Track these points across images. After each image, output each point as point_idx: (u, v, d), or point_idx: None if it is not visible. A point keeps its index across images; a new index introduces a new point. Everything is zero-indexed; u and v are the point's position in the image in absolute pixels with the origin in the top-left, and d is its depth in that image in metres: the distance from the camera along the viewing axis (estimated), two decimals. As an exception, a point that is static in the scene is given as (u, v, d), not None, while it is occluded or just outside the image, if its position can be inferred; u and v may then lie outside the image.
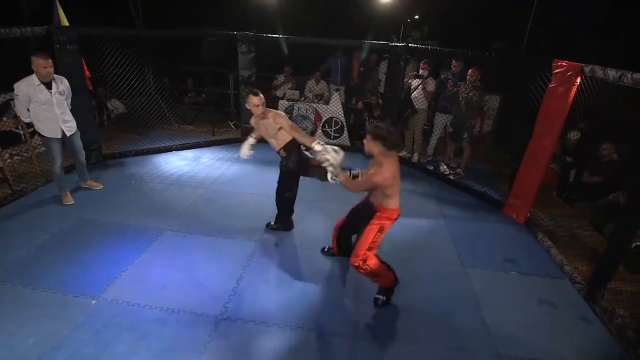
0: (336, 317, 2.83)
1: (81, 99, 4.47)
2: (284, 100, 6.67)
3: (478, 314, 2.95)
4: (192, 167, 5.34)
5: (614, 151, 4.53)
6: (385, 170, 2.52)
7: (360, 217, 2.90)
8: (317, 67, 7.27)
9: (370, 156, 2.65)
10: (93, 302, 2.80)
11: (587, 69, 3.43)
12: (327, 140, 6.53)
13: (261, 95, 3.25)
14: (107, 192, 4.44)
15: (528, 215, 4.26)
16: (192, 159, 5.64)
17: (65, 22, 5.21)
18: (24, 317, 2.62)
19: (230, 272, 3.23)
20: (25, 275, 3.02)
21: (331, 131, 6.52)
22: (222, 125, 6.89)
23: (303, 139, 3.33)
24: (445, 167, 5.58)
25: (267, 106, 3.39)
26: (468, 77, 5.06)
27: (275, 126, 3.33)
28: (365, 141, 2.59)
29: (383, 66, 6.79)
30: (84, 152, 4.25)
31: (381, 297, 2.92)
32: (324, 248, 3.55)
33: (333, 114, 6.42)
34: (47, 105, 3.70)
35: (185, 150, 5.92)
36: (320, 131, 6.56)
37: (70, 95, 3.98)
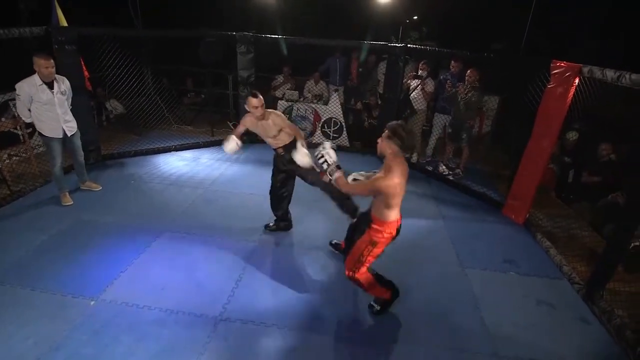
0: (335, 317, 2.83)
1: (80, 99, 4.46)
2: (283, 101, 6.67)
3: (477, 314, 2.96)
4: (191, 167, 5.34)
5: (612, 151, 4.54)
6: (394, 176, 2.32)
7: (360, 222, 2.80)
8: (316, 67, 7.27)
9: (381, 157, 2.47)
10: (92, 302, 2.79)
11: (585, 69, 3.44)
12: (326, 140, 6.54)
13: (261, 97, 3.23)
14: (106, 192, 4.43)
15: (527, 215, 4.27)
16: (191, 159, 5.64)
17: (64, 22, 5.20)
18: (22, 318, 2.62)
19: (230, 272, 3.23)
20: (23, 276, 3.01)
21: (330, 131, 6.52)
22: (221, 125, 6.88)
23: (302, 140, 3.35)
24: (444, 167, 5.58)
25: (266, 107, 3.38)
26: (467, 77, 5.06)
27: (275, 128, 3.33)
28: (379, 139, 2.42)
29: (382, 67, 6.80)
30: (82, 153, 4.25)
31: (376, 306, 2.87)
32: (332, 241, 3.57)
33: (332, 114, 6.42)
34: (49, 105, 3.72)
35: (185, 151, 5.92)
36: (319, 131, 6.56)
37: (71, 95, 4.00)
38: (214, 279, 3.13)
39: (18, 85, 3.60)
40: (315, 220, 4.08)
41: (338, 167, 2.55)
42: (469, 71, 5.05)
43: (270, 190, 3.69)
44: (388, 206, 2.42)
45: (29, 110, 3.70)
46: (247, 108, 3.29)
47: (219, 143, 6.26)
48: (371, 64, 7.24)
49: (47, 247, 3.39)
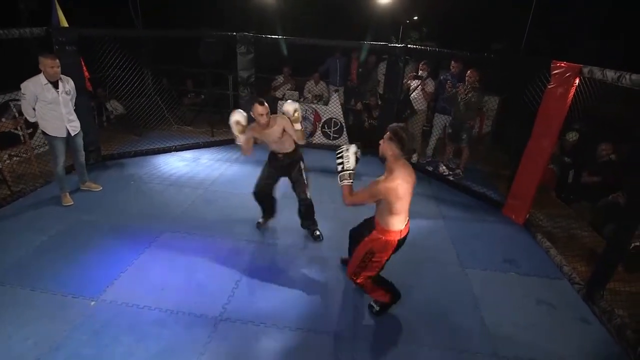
0: (335, 317, 2.83)
1: (80, 99, 4.45)
2: (283, 101, 6.66)
3: (477, 314, 2.96)
4: (191, 167, 5.34)
5: (613, 151, 4.54)
6: (395, 178, 2.26)
7: (364, 227, 2.71)
8: (316, 68, 7.28)
9: (383, 160, 2.40)
10: (92, 303, 2.79)
11: (585, 70, 3.44)
12: (326, 141, 6.54)
13: (266, 105, 3.22)
14: (106, 193, 4.43)
15: (527, 215, 4.27)
16: (191, 159, 5.64)
17: (64, 22, 5.20)
18: (22, 318, 2.62)
19: (230, 272, 3.23)
20: (24, 276, 3.01)
21: (330, 132, 6.52)
22: (221, 126, 6.86)
23: (301, 140, 3.43)
24: (444, 167, 5.59)
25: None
26: (467, 78, 5.07)
27: (279, 129, 3.33)
28: (381, 141, 2.36)
29: (382, 67, 6.80)
30: (84, 153, 4.27)
31: (375, 306, 2.87)
32: (342, 258, 3.38)
33: (332, 114, 6.43)
34: (54, 105, 3.77)
35: (185, 151, 5.92)
36: (319, 132, 6.56)
37: (75, 95, 4.06)
38: (214, 279, 3.13)
39: (23, 85, 3.66)
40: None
41: (350, 176, 2.45)
42: (469, 71, 5.05)
43: (257, 184, 3.67)
44: (391, 212, 2.34)
45: (34, 109, 3.75)
46: (252, 114, 3.25)
47: (219, 143, 6.28)
48: (371, 65, 7.24)
49: (47, 248, 3.39)
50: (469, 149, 5.43)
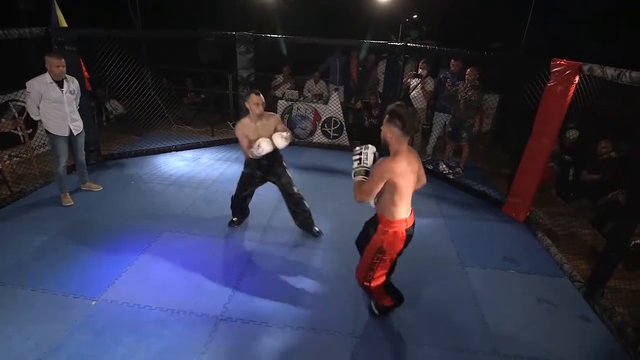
0: (336, 316, 2.83)
1: (80, 100, 4.46)
2: (283, 100, 6.67)
3: (477, 312, 2.96)
4: (191, 167, 5.34)
5: (613, 149, 4.54)
6: (399, 160, 2.13)
7: (367, 229, 2.58)
8: (316, 67, 7.27)
9: (386, 146, 2.26)
10: (93, 303, 2.79)
11: (585, 67, 3.43)
12: (326, 139, 6.54)
13: (261, 95, 3.28)
14: (106, 193, 4.44)
15: (527, 214, 4.27)
16: (192, 159, 5.64)
17: (63, 23, 5.20)
18: (23, 318, 2.62)
19: (230, 272, 3.23)
20: (24, 276, 3.01)
21: (330, 131, 6.52)
22: (221, 125, 6.89)
23: (286, 132, 3.42)
24: (444, 166, 5.58)
25: (266, 106, 3.42)
26: (467, 76, 5.06)
27: (272, 126, 3.38)
28: (382, 127, 2.23)
29: (382, 66, 6.80)
30: (84, 152, 4.29)
31: (375, 310, 2.83)
32: None
33: (332, 113, 6.42)
34: (58, 104, 3.81)
35: (185, 151, 5.92)
36: (319, 131, 6.56)
37: (79, 95, 4.10)
38: (214, 279, 3.13)
39: (29, 83, 3.71)
40: (316, 220, 4.06)
41: (367, 173, 2.33)
42: (468, 70, 5.05)
43: (236, 195, 3.75)
44: (394, 202, 2.22)
45: (38, 108, 3.79)
46: (247, 105, 3.32)
47: (219, 143, 6.28)
48: (371, 63, 7.24)
49: (48, 248, 3.39)
50: (469, 147, 5.43)
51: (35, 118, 3.88)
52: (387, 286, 2.65)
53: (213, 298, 2.92)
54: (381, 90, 6.58)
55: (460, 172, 5.47)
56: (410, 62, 6.04)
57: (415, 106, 5.73)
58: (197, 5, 9.74)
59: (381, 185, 2.18)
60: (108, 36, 5.13)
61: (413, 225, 2.41)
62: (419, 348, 2.61)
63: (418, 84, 5.66)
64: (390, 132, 2.17)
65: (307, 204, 3.69)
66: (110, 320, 2.66)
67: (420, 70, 5.75)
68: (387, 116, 2.19)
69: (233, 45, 5.78)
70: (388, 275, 2.62)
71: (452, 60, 5.45)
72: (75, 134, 4.02)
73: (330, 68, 7.27)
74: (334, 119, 6.45)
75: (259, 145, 3.24)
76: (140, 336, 2.55)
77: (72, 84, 3.96)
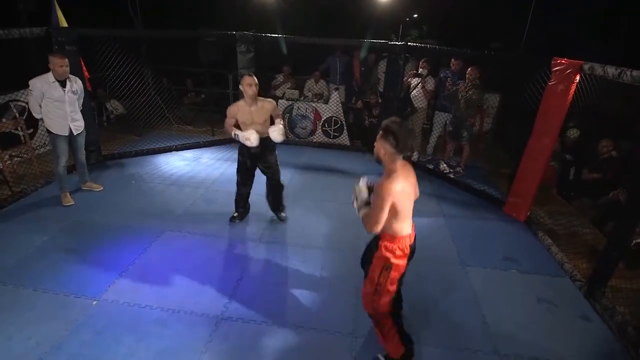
0: (336, 316, 2.83)
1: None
2: (283, 100, 6.67)
3: (478, 312, 2.95)
4: (192, 167, 5.34)
5: (613, 148, 4.53)
6: (396, 179, 2.00)
7: (370, 246, 2.37)
8: (316, 66, 7.27)
9: (379, 162, 2.13)
10: (94, 302, 2.80)
11: (586, 66, 3.42)
12: (326, 139, 6.54)
13: (254, 77, 3.33)
14: (106, 192, 4.44)
15: (528, 213, 4.26)
16: (192, 159, 5.65)
17: (64, 22, 5.21)
18: (24, 318, 2.63)
19: (231, 271, 3.23)
20: (25, 276, 3.02)
21: (331, 130, 6.52)
22: (222, 125, 6.78)
23: (281, 121, 3.55)
24: (445, 165, 5.58)
25: None
26: (467, 75, 5.06)
27: (265, 113, 3.43)
28: (375, 142, 2.11)
29: (382, 65, 6.79)
30: (84, 152, 4.30)
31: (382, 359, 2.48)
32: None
33: (332, 113, 6.42)
34: (60, 103, 3.83)
35: (185, 151, 5.92)
36: (320, 130, 6.56)
37: (82, 95, 4.11)
38: (215, 279, 3.13)
39: (31, 82, 3.73)
40: (316, 220, 4.08)
41: (367, 204, 2.22)
42: (469, 69, 5.04)
43: (238, 192, 3.82)
44: (396, 220, 2.10)
45: (40, 106, 3.81)
46: (240, 87, 3.37)
47: (219, 143, 6.28)
48: (371, 63, 7.24)
49: (49, 248, 3.39)
50: (469, 146, 5.42)
51: (37, 116, 3.90)
52: (398, 331, 2.38)
53: (213, 298, 2.92)
54: (382, 90, 6.58)
55: (461, 171, 5.47)
56: (411, 61, 6.03)
57: (416, 105, 5.72)
58: (197, 5, 9.74)
59: (387, 209, 2.04)
60: (108, 36, 5.13)
61: (415, 239, 2.30)
62: (420, 347, 2.61)
63: (418, 84, 5.65)
64: (383, 149, 2.06)
65: (282, 194, 3.86)
66: (111, 320, 2.66)
67: (420, 70, 5.75)
68: (380, 132, 2.06)
69: (233, 45, 5.78)
70: (397, 308, 2.39)
71: (453, 60, 5.44)
72: (75, 134, 4.03)
73: (331, 68, 7.26)
74: (334, 118, 6.45)
75: (247, 138, 3.31)
76: (141, 336, 2.55)
77: (75, 84, 3.98)
